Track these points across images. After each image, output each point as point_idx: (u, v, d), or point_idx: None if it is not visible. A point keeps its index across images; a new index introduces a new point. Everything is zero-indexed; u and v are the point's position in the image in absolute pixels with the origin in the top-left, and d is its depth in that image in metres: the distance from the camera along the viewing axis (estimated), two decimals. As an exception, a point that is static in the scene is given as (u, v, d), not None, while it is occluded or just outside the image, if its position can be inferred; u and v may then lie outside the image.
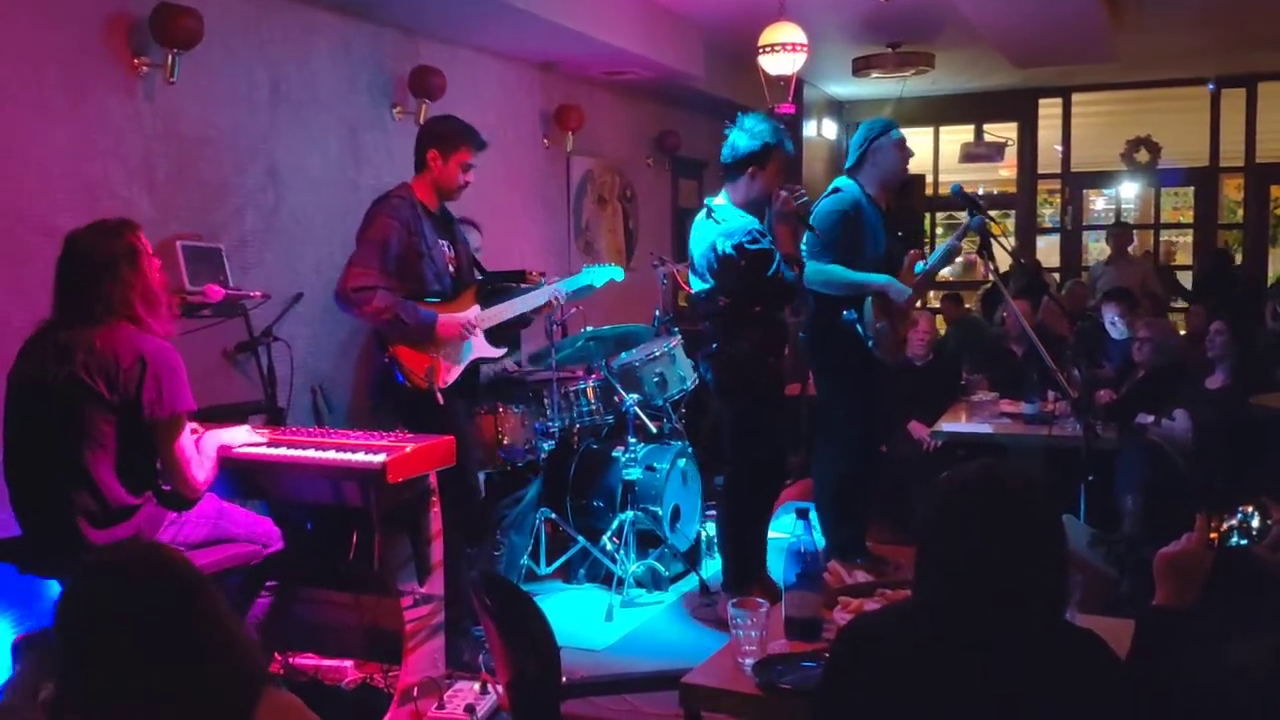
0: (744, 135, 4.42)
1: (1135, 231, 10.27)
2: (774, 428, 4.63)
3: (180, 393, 3.14)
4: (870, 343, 4.69)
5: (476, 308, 4.25)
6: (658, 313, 5.84)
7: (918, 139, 10.87)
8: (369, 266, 3.97)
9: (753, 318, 4.44)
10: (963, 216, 4.86)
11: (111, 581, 1.58)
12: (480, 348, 4.26)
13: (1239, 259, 10.71)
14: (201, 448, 3.34)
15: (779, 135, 4.43)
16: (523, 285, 4.84)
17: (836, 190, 4.84)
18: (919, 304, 5.73)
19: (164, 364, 3.11)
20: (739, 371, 4.46)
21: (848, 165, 4.95)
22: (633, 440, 5.11)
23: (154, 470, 3.26)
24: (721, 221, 4.39)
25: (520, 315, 4.43)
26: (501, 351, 4.42)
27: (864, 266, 4.73)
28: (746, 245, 4.29)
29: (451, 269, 4.22)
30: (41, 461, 3.13)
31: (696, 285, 4.56)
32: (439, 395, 4.05)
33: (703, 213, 4.53)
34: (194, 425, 3.39)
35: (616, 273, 4.79)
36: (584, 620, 4.78)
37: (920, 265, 4.90)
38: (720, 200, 4.52)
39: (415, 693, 3.54)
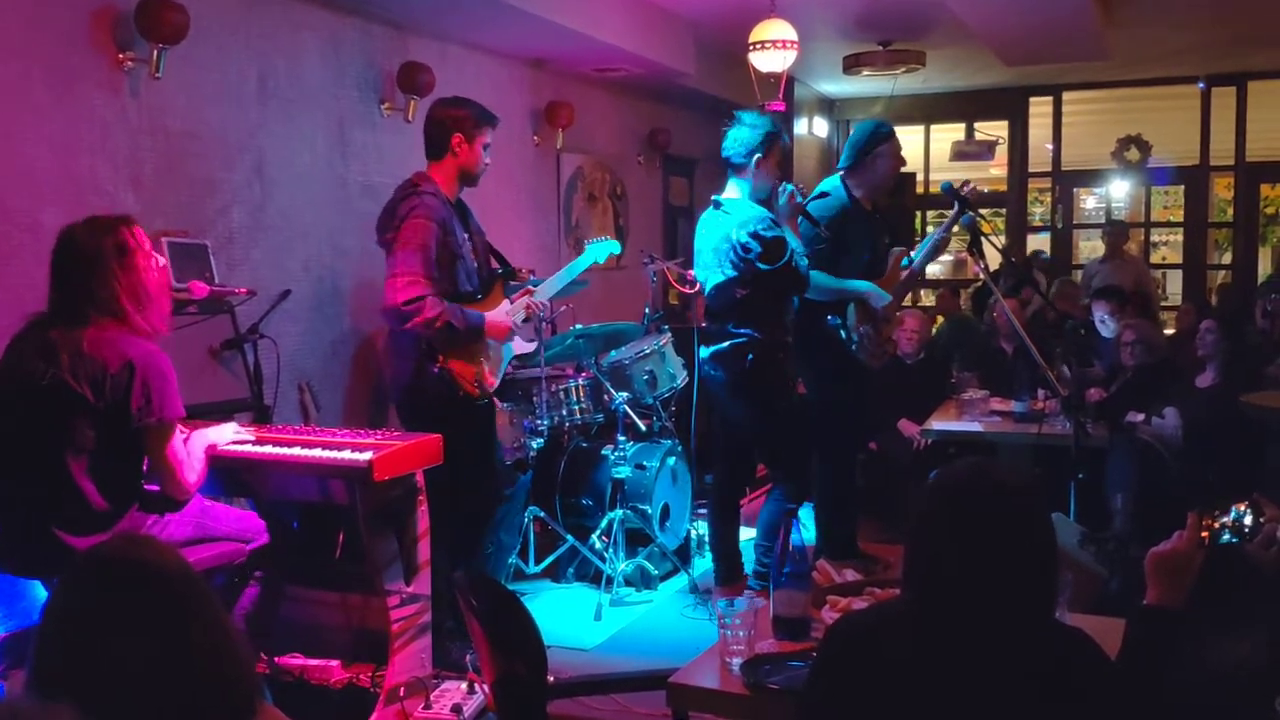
0: (745, 129, 4.51)
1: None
2: (795, 422, 4.63)
3: (170, 399, 3.08)
4: (854, 346, 4.72)
5: (507, 302, 4.20)
6: (647, 311, 5.82)
7: (908, 137, 10.89)
8: (414, 274, 3.81)
9: (768, 311, 4.47)
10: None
11: (102, 578, 1.54)
12: (517, 344, 4.28)
13: (1229, 257, 10.73)
14: (189, 448, 3.31)
15: (777, 126, 4.56)
16: (513, 283, 4.82)
17: (824, 194, 4.86)
18: (907, 300, 5.73)
19: (153, 370, 3.05)
20: (756, 368, 4.47)
21: (841, 165, 4.97)
22: (622, 438, 5.10)
23: (136, 476, 3.21)
24: (733, 213, 4.46)
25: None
26: (534, 345, 4.42)
27: (849, 271, 4.76)
28: (762, 232, 4.34)
29: (475, 264, 4.15)
30: (22, 463, 3.09)
31: (710, 279, 4.56)
32: (495, 399, 4.10)
33: (710, 208, 4.60)
34: (180, 426, 3.36)
35: (614, 246, 4.78)
36: (572, 619, 4.76)
37: (907, 260, 4.93)
38: (729, 194, 4.58)
39: (402, 692, 3.52)
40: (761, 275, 4.37)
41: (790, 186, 4.48)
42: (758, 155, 4.47)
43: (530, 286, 4.37)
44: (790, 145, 4.72)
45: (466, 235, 4.11)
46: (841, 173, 4.95)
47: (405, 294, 3.79)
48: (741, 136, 4.50)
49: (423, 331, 3.86)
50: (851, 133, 5.08)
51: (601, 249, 4.70)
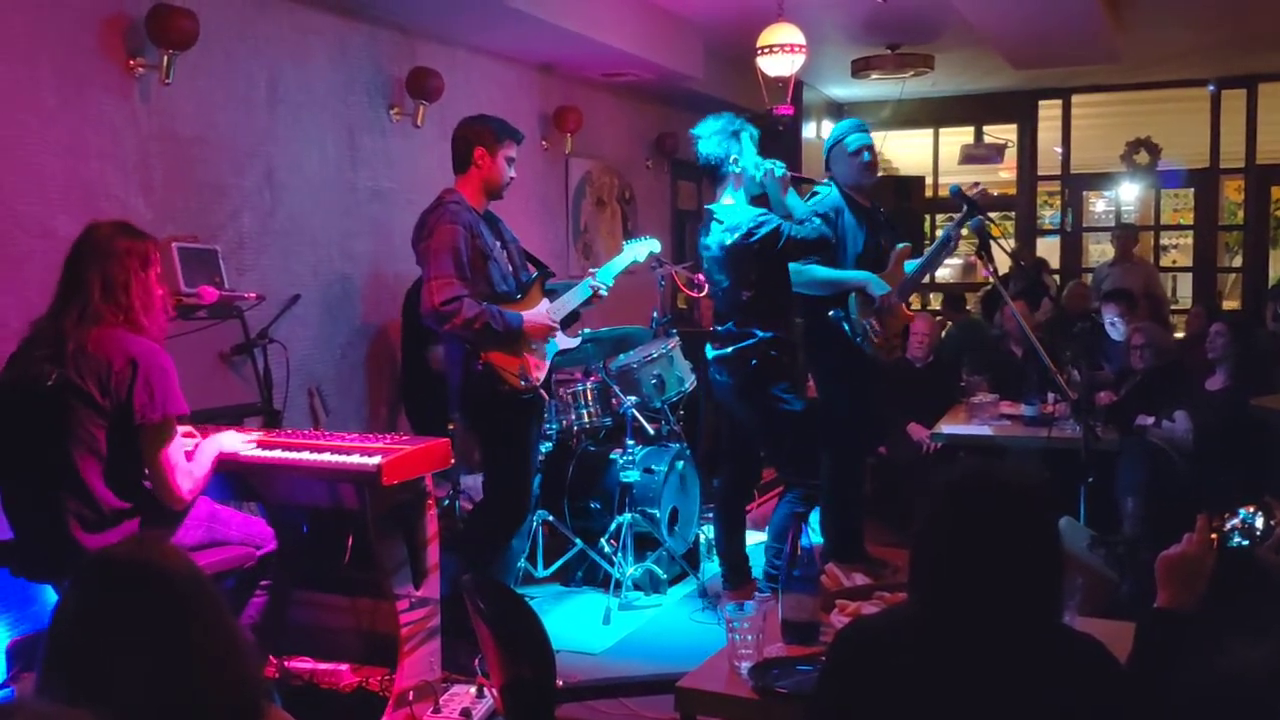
0: (711, 140, 4.52)
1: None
2: (802, 425, 4.63)
3: (171, 396, 3.11)
4: (859, 339, 4.71)
5: (546, 301, 4.29)
6: (655, 315, 5.82)
7: (917, 141, 10.91)
8: (448, 276, 3.94)
9: (773, 313, 4.49)
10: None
11: (105, 578, 1.54)
12: (561, 340, 4.34)
13: (1239, 260, 10.69)
14: (195, 457, 3.30)
15: (736, 123, 4.54)
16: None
17: (816, 194, 4.93)
18: (916, 303, 5.72)
19: (155, 366, 3.08)
20: (760, 371, 4.47)
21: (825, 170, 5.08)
22: (630, 442, 5.09)
23: (144, 475, 3.23)
24: (725, 220, 4.50)
25: (573, 311, 4.46)
26: (577, 341, 4.48)
27: (845, 267, 4.78)
28: (753, 230, 4.37)
29: (510, 268, 4.23)
30: (32, 465, 3.10)
31: (714, 287, 4.66)
32: (542, 391, 4.17)
33: (706, 219, 4.65)
34: (188, 429, 3.37)
35: (654, 244, 4.83)
36: (581, 623, 4.76)
37: (911, 263, 4.93)
38: (720, 202, 4.60)
39: (411, 696, 3.52)
40: (765, 271, 4.43)
41: (767, 165, 4.49)
42: (734, 155, 4.51)
43: (591, 271, 4.55)
44: (759, 131, 4.69)
45: (499, 243, 4.20)
46: (828, 175, 5.08)
47: (441, 295, 3.92)
48: (706, 150, 4.53)
49: (461, 332, 3.98)
50: None
51: (639, 247, 4.76)
